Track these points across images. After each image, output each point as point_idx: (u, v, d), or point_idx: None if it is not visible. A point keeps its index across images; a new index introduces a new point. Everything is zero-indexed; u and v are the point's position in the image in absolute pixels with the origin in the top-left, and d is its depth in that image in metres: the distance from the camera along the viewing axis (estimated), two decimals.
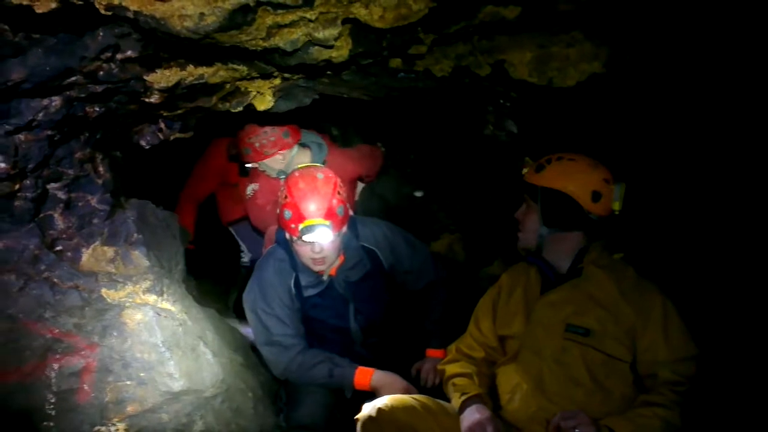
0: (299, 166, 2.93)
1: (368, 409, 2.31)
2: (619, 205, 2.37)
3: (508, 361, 2.41)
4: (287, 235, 2.83)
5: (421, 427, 2.28)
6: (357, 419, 2.32)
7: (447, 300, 3.23)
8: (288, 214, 2.72)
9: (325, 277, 2.96)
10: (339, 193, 2.78)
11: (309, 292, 2.97)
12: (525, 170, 2.46)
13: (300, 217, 2.69)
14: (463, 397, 2.30)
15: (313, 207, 2.68)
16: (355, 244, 2.99)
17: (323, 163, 3.57)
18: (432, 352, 3.12)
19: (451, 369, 2.51)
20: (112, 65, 2.06)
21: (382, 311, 3.14)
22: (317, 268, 2.86)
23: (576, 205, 2.31)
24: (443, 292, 3.23)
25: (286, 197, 2.75)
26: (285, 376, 3.02)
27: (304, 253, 2.79)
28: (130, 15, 1.82)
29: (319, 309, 3.01)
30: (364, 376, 2.89)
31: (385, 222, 3.22)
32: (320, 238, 2.70)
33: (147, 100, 2.34)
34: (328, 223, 2.69)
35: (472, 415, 2.24)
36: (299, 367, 2.94)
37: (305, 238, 2.69)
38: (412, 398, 2.37)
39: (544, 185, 2.35)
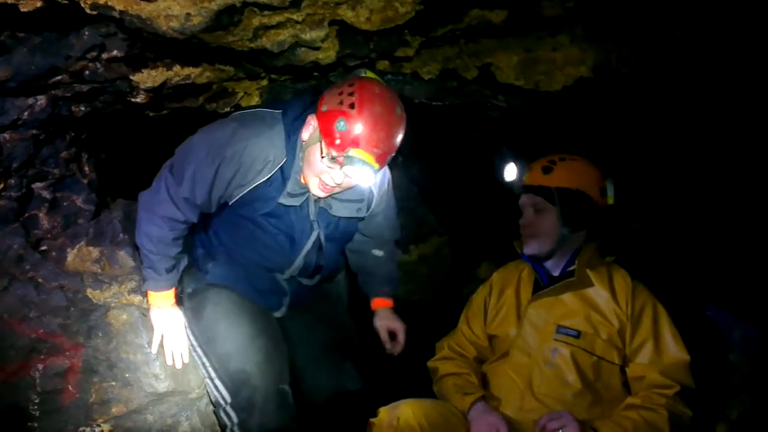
0: (368, 74, 2.29)
1: (388, 416, 2.20)
2: (612, 200, 2.41)
3: (498, 360, 2.40)
4: (323, 147, 2.19)
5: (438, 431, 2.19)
6: (372, 423, 2.23)
7: (397, 260, 2.98)
8: (342, 124, 2.11)
9: (310, 196, 2.40)
10: (404, 136, 2.27)
11: (283, 200, 2.37)
12: (526, 176, 2.44)
13: (355, 141, 2.12)
14: (471, 398, 2.29)
15: (376, 143, 2.14)
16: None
17: None
18: (388, 302, 2.88)
19: (446, 367, 2.50)
20: (98, 65, 2.06)
21: (338, 255, 2.73)
22: (317, 191, 2.31)
23: (591, 201, 2.34)
24: (398, 251, 2.98)
25: (352, 106, 2.11)
26: (140, 235, 2.40)
27: (321, 171, 2.23)
28: (116, 14, 1.82)
29: (273, 221, 2.42)
30: (155, 298, 2.46)
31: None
32: (360, 178, 2.22)
33: (133, 100, 2.33)
34: (377, 168, 2.19)
35: (484, 415, 2.22)
36: (160, 233, 2.37)
37: (345, 168, 2.16)
38: (432, 404, 2.28)
39: (559, 186, 2.36)
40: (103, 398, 2.37)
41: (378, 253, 2.84)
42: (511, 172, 2.50)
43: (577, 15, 2.45)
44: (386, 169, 2.56)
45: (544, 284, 2.41)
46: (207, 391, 2.56)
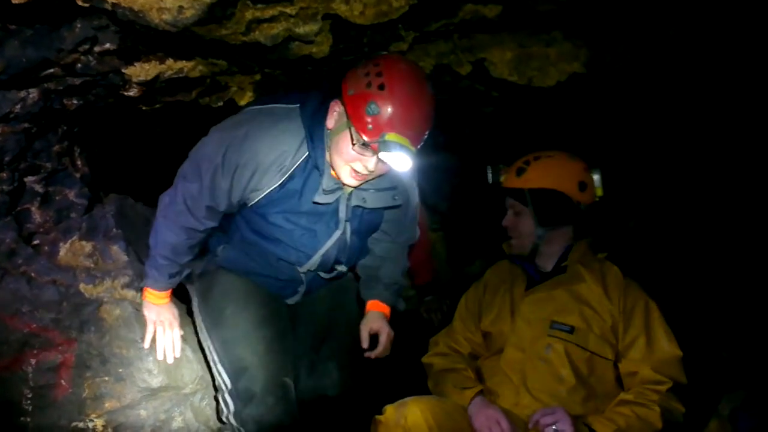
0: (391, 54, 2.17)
1: (395, 414, 2.18)
2: (600, 191, 2.41)
3: (492, 356, 2.41)
4: (354, 134, 2.05)
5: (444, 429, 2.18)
6: (379, 420, 2.21)
7: (406, 268, 2.78)
8: (374, 107, 1.96)
9: (343, 191, 2.27)
10: (434, 117, 2.12)
11: (318, 198, 2.23)
12: (503, 177, 2.46)
13: (390, 125, 1.97)
14: (470, 392, 2.29)
15: (411, 124, 2.00)
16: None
17: None
18: (383, 307, 2.64)
19: (441, 363, 2.50)
20: (90, 58, 2.05)
21: (362, 247, 2.56)
22: (349, 180, 2.17)
23: (567, 199, 2.34)
24: (407, 258, 2.77)
25: (381, 86, 1.97)
26: (156, 239, 2.32)
27: (352, 158, 2.09)
28: (108, 7, 1.81)
29: (297, 219, 2.30)
30: (152, 296, 2.40)
31: None
32: (397, 164, 2.05)
33: (126, 93, 2.32)
34: (414, 151, 2.04)
35: (484, 409, 2.22)
36: (177, 240, 2.30)
37: (381, 154, 2.02)
38: (437, 401, 2.26)
39: (531, 187, 2.36)
40: (96, 393, 2.36)
41: (386, 253, 2.64)
42: (493, 174, 2.49)
43: (571, 10, 2.46)
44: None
45: (536, 281, 2.41)
46: (211, 376, 2.52)
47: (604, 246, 2.46)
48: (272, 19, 2.12)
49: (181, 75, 2.32)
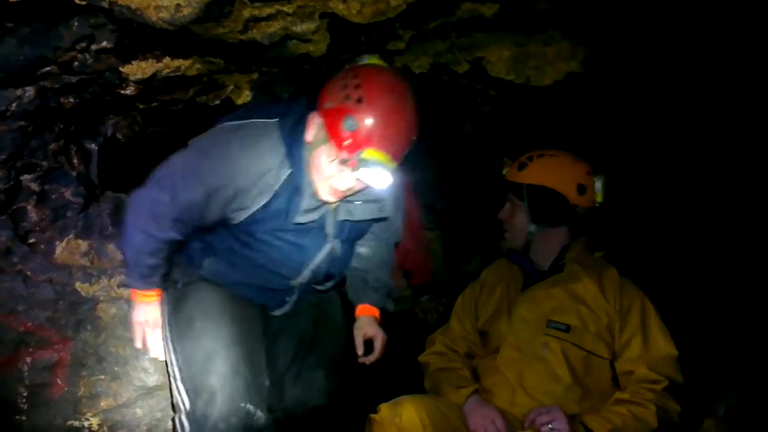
0: (374, 61, 2.05)
1: (389, 412, 2.16)
2: (601, 197, 2.41)
3: (488, 355, 2.41)
4: (332, 150, 1.94)
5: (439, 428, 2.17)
6: (373, 419, 2.19)
7: (392, 267, 2.67)
8: (351, 123, 1.86)
9: (327, 207, 2.16)
10: (418, 130, 2.01)
11: (299, 219, 2.12)
12: (506, 170, 2.47)
13: (369, 141, 1.87)
14: (466, 391, 2.30)
15: (391, 139, 1.90)
16: None
17: None
18: (373, 311, 2.55)
19: (437, 362, 2.50)
20: (87, 56, 2.04)
21: (348, 259, 2.48)
22: (328, 197, 2.07)
23: (563, 199, 2.34)
24: (394, 258, 2.66)
25: (359, 100, 1.86)
26: (127, 234, 2.19)
27: (330, 175, 2.00)
28: (105, 5, 1.80)
29: (283, 236, 2.19)
30: (137, 295, 2.29)
31: None
32: (376, 181, 1.94)
33: (123, 91, 2.32)
34: (393, 166, 1.94)
35: (479, 408, 2.22)
36: (144, 241, 2.16)
37: (360, 173, 1.92)
38: (432, 400, 2.25)
39: (529, 182, 2.36)
40: (92, 392, 2.36)
41: (372, 254, 2.53)
42: (499, 166, 2.50)
43: (569, 9, 2.46)
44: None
45: (533, 279, 2.42)
46: (170, 393, 2.34)
47: (601, 245, 2.47)
48: (269, 18, 2.12)
49: (178, 73, 2.31)
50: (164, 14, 1.86)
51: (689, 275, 3.07)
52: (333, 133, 1.89)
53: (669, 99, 2.88)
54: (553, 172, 2.36)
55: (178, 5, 1.85)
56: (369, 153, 1.87)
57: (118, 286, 2.48)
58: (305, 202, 2.08)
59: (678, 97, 2.84)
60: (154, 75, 2.25)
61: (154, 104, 2.59)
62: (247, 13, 2.04)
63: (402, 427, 2.10)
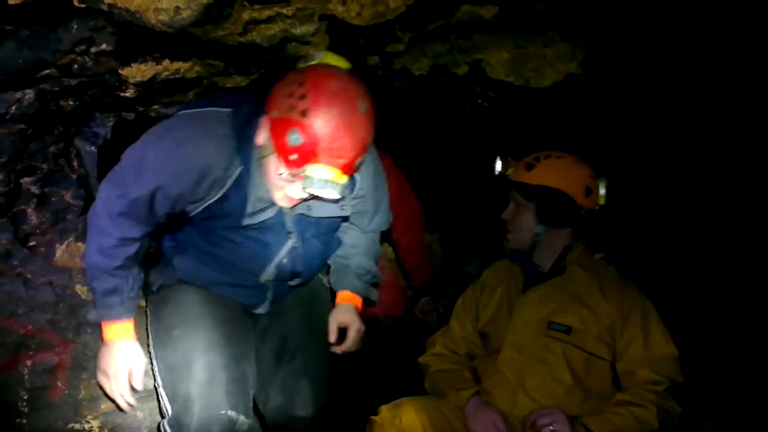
0: (327, 59, 1.96)
1: (390, 414, 2.17)
2: (604, 200, 2.42)
3: (489, 357, 2.41)
4: (279, 161, 1.87)
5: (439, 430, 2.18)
6: (374, 421, 2.20)
7: (378, 255, 2.59)
8: (296, 137, 1.77)
9: (280, 207, 2.10)
10: (372, 136, 1.91)
11: (247, 221, 2.07)
12: (511, 170, 2.46)
13: (314, 156, 1.79)
14: (466, 393, 2.30)
15: (339, 152, 1.80)
16: None
17: None
18: (355, 298, 2.47)
19: (437, 364, 2.50)
20: (87, 58, 2.04)
21: (322, 252, 2.38)
22: (284, 204, 2.04)
23: (571, 201, 2.35)
24: (379, 247, 2.58)
25: (304, 113, 1.76)
26: (90, 259, 2.08)
27: (281, 186, 1.96)
28: (105, 8, 1.81)
29: (241, 232, 2.13)
30: (108, 331, 2.12)
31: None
32: (327, 195, 1.88)
33: (122, 94, 2.32)
34: (344, 178, 1.86)
35: (480, 410, 2.23)
36: (103, 241, 2.05)
37: (308, 189, 1.84)
38: (433, 402, 2.27)
39: (537, 183, 2.37)
40: (93, 394, 2.36)
41: (356, 242, 2.47)
42: (499, 165, 2.48)
43: (568, 11, 2.46)
44: (372, 151, 2.16)
45: (534, 281, 2.42)
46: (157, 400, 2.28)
47: (602, 247, 2.47)
48: (269, 20, 2.12)
49: (177, 76, 2.31)
50: (163, 17, 1.86)
51: (689, 276, 3.07)
52: (278, 146, 1.83)
53: (668, 100, 2.88)
54: (561, 174, 2.37)
55: (178, 8, 1.85)
56: (315, 168, 1.80)
57: None
58: (251, 205, 2.03)
59: (677, 98, 2.84)
60: (153, 77, 2.25)
61: (154, 107, 2.59)
62: (246, 16, 2.04)
63: (402, 429, 2.11)
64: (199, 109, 2.02)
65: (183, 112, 2.05)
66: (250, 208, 2.04)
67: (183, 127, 1.98)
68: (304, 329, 2.40)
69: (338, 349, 2.36)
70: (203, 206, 2.04)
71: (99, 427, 2.35)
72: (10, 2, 1.72)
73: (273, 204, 2.06)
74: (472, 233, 4.43)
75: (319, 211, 2.15)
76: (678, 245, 3.20)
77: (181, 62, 2.28)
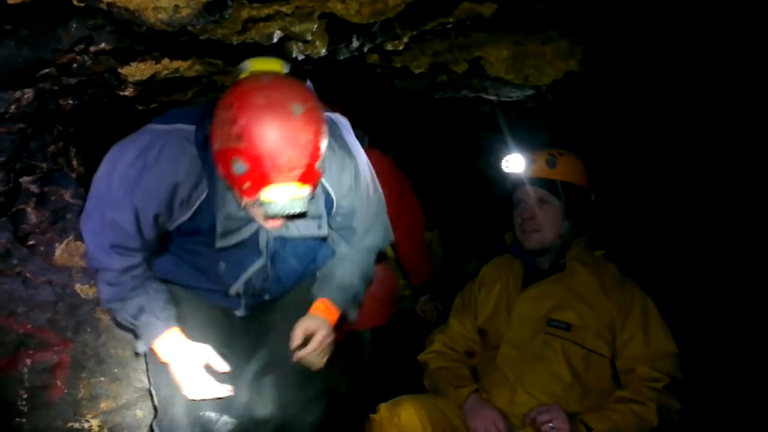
0: (255, 66, 1.90)
1: (389, 412, 2.18)
2: (593, 195, 2.44)
3: (488, 353, 2.41)
4: (237, 194, 1.78)
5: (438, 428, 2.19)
6: (373, 419, 2.21)
7: (371, 267, 2.40)
8: (239, 166, 1.66)
9: (253, 224, 2.03)
10: (322, 134, 1.74)
11: (220, 243, 2.00)
12: (532, 167, 2.42)
13: (263, 180, 1.67)
14: (465, 390, 2.30)
15: (289, 164, 1.66)
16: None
17: None
18: (330, 308, 2.26)
19: (436, 361, 2.51)
20: (86, 57, 2.04)
21: (295, 275, 2.29)
22: (268, 225, 1.94)
23: (588, 196, 2.37)
24: (370, 264, 2.39)
25: (239, 137, 1.64)
26: (104, 297, 2.05)
27: (251, 214, 1.90)
28: (104, 6, 1.80)
29: (213, 254, 2.06)
30: (162, 348, 2.05)
31: (355, 145, 2.17)
32: (293, 209, 1.71)
33: (121, 93, 2.32)
34: (306, 188, 1.72)
35: (479, 408, 2.23)
36: (118, 286, 2.01)
37: (272, 214, 1.71)
38: (432, 400, 2.27)
39: (563, 180, 2.37)
40: (92, 393, 2.36)
41: (345, 255, 2.31)
42: (517, 162, 2.46)
43: (567, 8, 2.46)
44: (354, 157, 2.11)
45: (534, 277, 2.42)
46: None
47: (602, 243, 2.47)
48: (268, 18, 2.11)
49: (176, 75, 2.31)
50: (163, 15, 1.86)
51: (689, 273, 3.07)
52: (229, 179, 1.73)
53: (667, 97, 2.88)
54: (580, 171, 2.40)
55: (177, 6, 1.85)
56: (269, 192, 1.67)
57: None
58: (220, 225, 1.96)
59: (676, 94, 2.84)
60: (152, 76, 2.25)
61: (153, 105, 2.59)
62: (245, 14, 2.03)
63: (401, 427, 2.12)
64: (166, 126, 1.94)
65: (151, 127, 1.96)
66: (220, 229, 1.97)
67: (151, 145, 1.89)
68: (283, 343, 2.22)
69: (296, 356, 2.18)
70: (175, 224, 1.98)
71: (99, 426, 2.36)
72: (9, 1, 1.72)
73: (249, 222, 2.00)
74: (471, 230, 4.44)
75: (296, 230, 2.07)
76: (678, 242, 3.20)
77: (180, 61, 2.28)
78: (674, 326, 2.27)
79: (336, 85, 2.99)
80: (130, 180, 1.86)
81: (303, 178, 1.69)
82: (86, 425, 2.35)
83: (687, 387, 2.21)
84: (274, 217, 1.76)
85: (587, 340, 2.25)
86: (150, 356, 2.15)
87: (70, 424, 2.32)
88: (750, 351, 2.68)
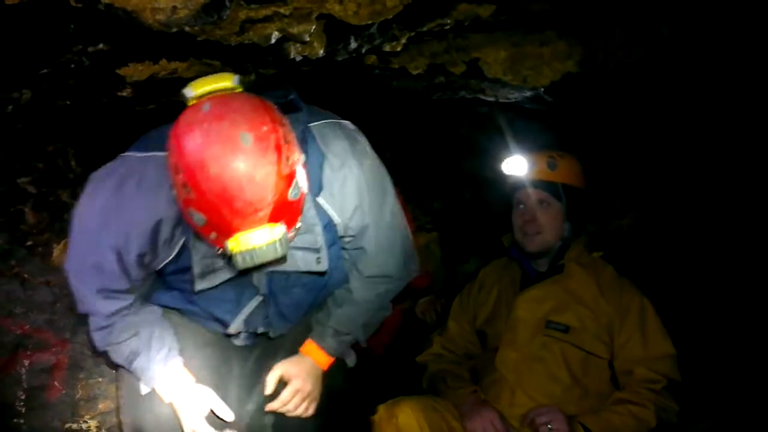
0: (195, 90, 1.57)
1: (387, 413, 2.17)
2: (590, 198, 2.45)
3: (486, 355, 2.42)
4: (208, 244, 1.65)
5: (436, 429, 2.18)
6: (373, 420, 2.21)
7: (384, 310, 2.17)
8: (198, 217, 1.48)
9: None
10: (287, 158, 1.47)
11: (198, 286, 1.83)
12: (534, 169, 2.42)
13: (226, 228, 1.46)
14: (463, 391, 2.30)
15: (251, 206, 1.42)
16: (309, 204, 1.80)
17: None
18: (320, 354, 2.08)
19: (435, 363, 2.51)
20: (84, 58, 2.04)
21: (304, 307, 2.07)
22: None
23: (586, 198, 2.37)
24: (385, 305, 2.16)
25: (185, 186, 1.44)
26: (97, 345, 1.93)
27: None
28: (101, 7, 1.80)
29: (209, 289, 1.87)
30: (162, 389, 1.92)
31: (359, 157, 1.89)
32: (268, 257, 1.47)
33: (119, 93, 2.32)
34: (280, 228, 1.48)
35: (477, 409, 2.23)
36: (107, 330, 1.88)
37: (246, 266, 1.49)
38: (430, 401, 2.26)
39: (564, 182, 2.37)
40: (90, 394, 2.36)
41: (354, 287, 2.06)
42: (517, 164, 2.46)
43: (565, 9, 2.46)
44: (354, 168, 1.86)
45: (532, 279, 2.42)
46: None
47: (599, 245, 2.47)
48: (266, 19, 2.11)
49: (174, 75, 2.31)
50: (160, 16, 1.86)
51: (687, 274, 3.07)
52: (195, 230, 1.56)
53: (665, 99, 2.88)
54: (579, 173, 2.40)
55: (175, 7, 1.85)
56: (240, 240, 1.45)
57: None
58: (197, 266, 1.79)
59: (674, 96, 2.84)
60: (150, 77, 2.25)
61: (151, 106, 2.59)
62: (243, 15, 2.04)
63: (399, 428, 2.12)
64: (145, 154, 1.73)
65: (129, 155, 1.77)
66: (198, 269, 1.79)
67: (128, 178, 1.71)
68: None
69: (268, 407, 2.03)
70: (161, 263, 1.83)
71: (96, 427, 2.36)
72: (7, 2, 1.72)
73: (222, 269, 1.81)
74: (470, 232, 4.44)
75: (292, 264, 1.83)
76: (676, 244, 3.20)
77: (178, 62, 2.28)
78: (672, 328, 2.27)
79: (334, 86, 3.00)
80: (107, 219, 1.69)
81: (273, 216, 1.45)
82: (84, 426, 2.35)
83: (685, 388, 2.21)
84: (248, 271, 1.59)
85: (586, 342, 2.25)
86: (121, 378, 2.01)
87: (68, 425, 2.32)
88: (748, 352, 2.68)
